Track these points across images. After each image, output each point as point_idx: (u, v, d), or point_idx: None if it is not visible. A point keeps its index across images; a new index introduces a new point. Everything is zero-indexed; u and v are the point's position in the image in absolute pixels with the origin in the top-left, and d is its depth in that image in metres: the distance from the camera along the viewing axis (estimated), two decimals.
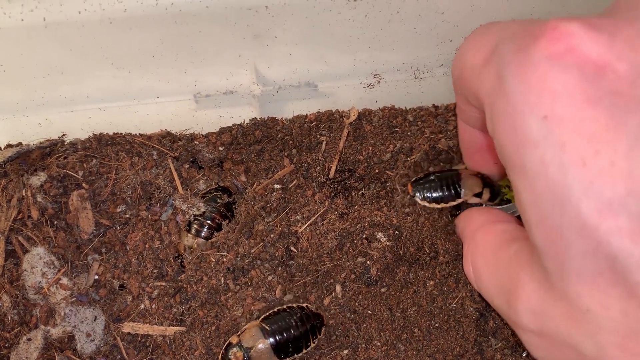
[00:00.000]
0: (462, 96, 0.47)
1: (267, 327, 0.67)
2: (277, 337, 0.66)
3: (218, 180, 0.79)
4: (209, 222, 0.74)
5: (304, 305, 0.69)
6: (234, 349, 0.66)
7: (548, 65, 0.34)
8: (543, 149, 0.33)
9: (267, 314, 0.69)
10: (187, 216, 0.75)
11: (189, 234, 0.74)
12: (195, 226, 0.74)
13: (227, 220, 0.75)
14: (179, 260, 0.74)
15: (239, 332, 0.68)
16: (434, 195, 0.73)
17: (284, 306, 0.69)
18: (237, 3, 0.64)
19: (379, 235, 0.73)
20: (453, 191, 0.72)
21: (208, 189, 0.77)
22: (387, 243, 0.72)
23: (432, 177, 0.74)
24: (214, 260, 0.73)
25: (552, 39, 0.34)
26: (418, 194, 0.74)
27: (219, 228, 0.75)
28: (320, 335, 0.69)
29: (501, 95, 0.36)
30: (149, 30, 0.67)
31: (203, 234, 0.74)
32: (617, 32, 0.33)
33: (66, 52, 0.68)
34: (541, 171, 0.33)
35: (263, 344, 0.66)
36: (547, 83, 0.33)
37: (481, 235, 0.55)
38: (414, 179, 0.76)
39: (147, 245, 0.74)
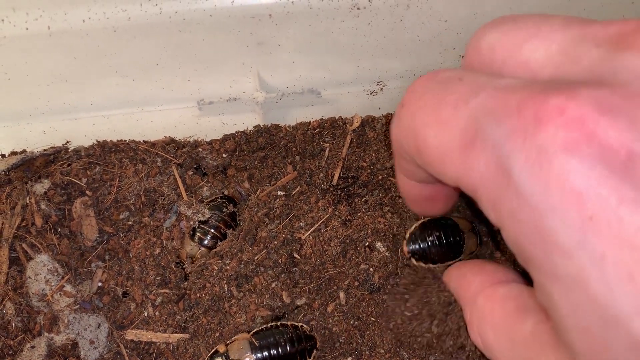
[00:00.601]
0: (410, 160, 0.41)
1: (255, 343, 0.65)
2: (264, 354, 0.65)
3: (222, 187, 0.78)
4: (212, 231, 0.74)
5: (299, 324, 0.68)
6: (219, 359, 0.65)
7: (566, 159, 0.28)
8: (580, 261, 0.28)
9: (260, 328, 0.67)
10: (191, 222, 0.75)
11: (192, 241, 0.74)
12: (199, 234, 0.74)
13: (231, 230, 0.75)
14: (181, 267, 0.74)
15: (227, 341, 0.67)
16: (435, 258, 0.67)
17: (278, 323, 0.68)
18: (241, 12, 0.64)
19: (378, 245, 0.73)
20: (453, 253, 0.66)
21: (213, 197, 0.77)
22: (386, 254, 0.72)
23: (431, 238, 0.67)
24: (216, 268, 0.73)
25: (562, 125, 0.28)
26: (415, 257, 0.68)
27: (223, 237, 0.75)
28: (310, 358, 0.67)
29: (513, 194, 0.30)
30: (152, 39, 0.67)
31: (206, 243, 0.74)
32: (634, 111, 0.28)
33: (70, 60, 0.69)
34: (580, 284, 0.29)
35: (248, 359, 0.65)
36: (570, 182, 0.28)
37: (484, 304, 0.49)
38: (408, 234, 0.69)
39: (150, 253, 0.74)
